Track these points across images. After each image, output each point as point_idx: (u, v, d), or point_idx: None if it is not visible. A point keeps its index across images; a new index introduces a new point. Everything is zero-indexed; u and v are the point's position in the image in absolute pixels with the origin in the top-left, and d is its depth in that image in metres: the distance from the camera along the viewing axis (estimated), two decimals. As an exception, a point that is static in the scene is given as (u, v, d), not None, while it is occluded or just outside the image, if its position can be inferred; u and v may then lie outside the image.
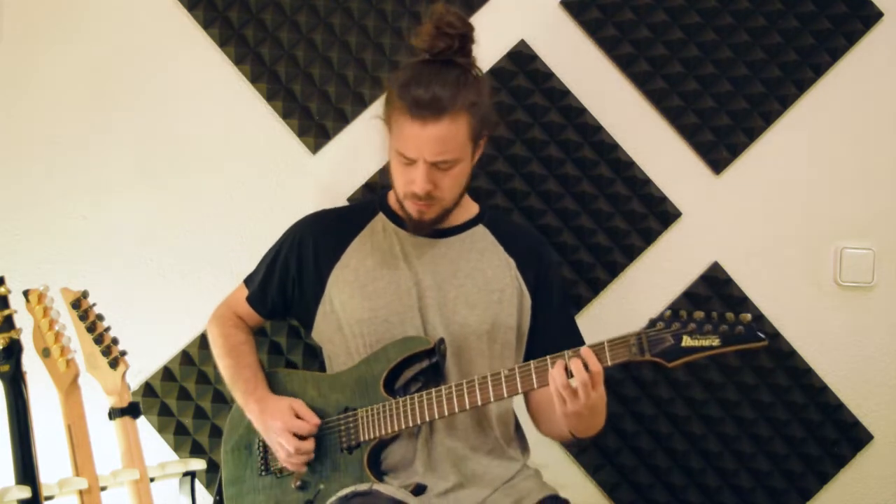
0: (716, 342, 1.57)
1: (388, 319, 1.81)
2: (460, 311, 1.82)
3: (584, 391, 1.58)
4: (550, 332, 1.89)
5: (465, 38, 1.75)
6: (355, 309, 1.82)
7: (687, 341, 1.58)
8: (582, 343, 1.93)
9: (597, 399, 1.62)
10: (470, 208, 1.92)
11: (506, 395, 1.68)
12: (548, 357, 1.64)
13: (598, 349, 1.62)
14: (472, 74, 1.76)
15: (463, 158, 1.75)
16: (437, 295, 1.82)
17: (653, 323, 1.61)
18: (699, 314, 1.59)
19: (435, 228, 1.84)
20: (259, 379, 1.89)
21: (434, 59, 1.75)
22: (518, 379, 1.66)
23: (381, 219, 1.90)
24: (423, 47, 1.76)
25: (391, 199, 1.91)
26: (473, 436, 1.82)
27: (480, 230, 1.90)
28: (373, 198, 1.99)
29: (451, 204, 1.81)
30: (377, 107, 2.26)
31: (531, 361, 1.66)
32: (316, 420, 1.80)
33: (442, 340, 1.78)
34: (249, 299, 1.98)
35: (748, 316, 1.58)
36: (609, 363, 1.61)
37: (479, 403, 1.69)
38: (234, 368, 1.91)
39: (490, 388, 1.68)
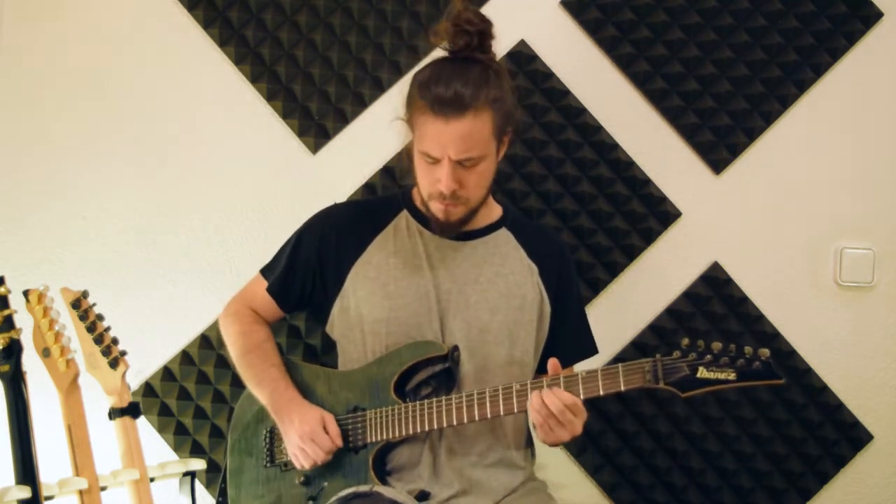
0: (732, 376, 1.55)
1: (407, 321, 1.79)
2: (481, 317, 1.80)
3: (557, 426, 1.63)
4: (567, 339, 1.89)
5: (484, 34, 1.72)
6: (374, 307, 1.80)
7: (703, 373, 1.56)
8: (594, 349, 1.94)
9: (567, 431, 1.65)
10: (494, 210, 1.89)
11: (515, 410, 1.67)
12: (560, 375, 1.64)
13: (611, 373, 1.61)
14: (493, 70, 1.73)
15: (487, 155, 1.71)
16: (458, 299, 1.80)
17: (669, 350, 1.59)
18: (717, 345, 1.57)
19: (459, 231, 1.81)
20: (287, 379, 1.85)
21: (455, 55, 1.73)
22: (529, 395, 1.65)
23: (405, 216, 1.86)
24: (442, 44, 1.74)
25: (416, 197, 1.87)
26: (484, 442, 1.80)
27: (504, 234, 1.88)
28: (396, 193, 1.95)
29: (477, 203, 1.78)
30: (377, 107, 2.28)
31: (543, 378, 1.66)
32: (339, 442, 1.76)
33: (456, 348, 1.77)
34: (271, 290, 1.91)
35: (766, 351, 1.56)
36: (623, 388, 1.60)
37: (489, 416, 1.69)
38: (259, 367, 1.86)
39: (501, 403, 1.68)
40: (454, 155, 1.67)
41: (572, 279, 1.93)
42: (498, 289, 1.82)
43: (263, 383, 1.85)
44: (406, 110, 1.76)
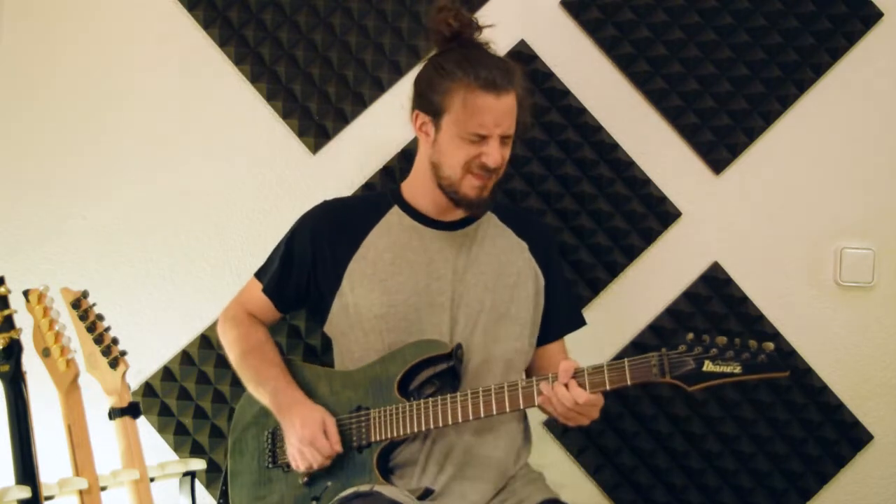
0: (737, 369, 1.57)
1: (406, 316, 1.80)
2: (481, 299, 1.82)
3: (570, 415, 1.66)
4: (557, 311, 1.92)
5: (471, 23, 1.79)
6: (373, 304, 1.81)
7: (708, 366, 1.58)
8: (583, 321, 1.98)
9: (585, 418, 1.69)
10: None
11: (522, 406, 1.69)
12: (569, 370, 1.65)
13: (618, 368, 1.62)
14: (504, 58, 1.81)
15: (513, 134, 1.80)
16: (459, 287, 1.82)
17: (675, 345, 1.60)
18: (722, 339, 1.59)
19: (488, 208, 1.86)
20: (288, 378, 1.85)
21: (461, 44, 1.78)
22: (535, 391, 1.67)
23: (396, 212, 1.88)
24: (441, 37, 1.79)
25: (406, 192, 1.90)
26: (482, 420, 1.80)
27: (489, 217, 1.91)
28: (384, 190, 1.96)
29: (497, 183, 1.83)
30: (377, 107, 2.27)
31: (549, 374, 1.67)
32: (339, 448, 1.76)
33: (459, 346, 1.78)
34: (266, 291, 1.93)
35: (771, 345, 1.58)
36: (629, 382, 1.61)
37: (494, 413, 1.69)
38: (258, 368, 1.87)
39: (506, 400, 1.68)
40: (504, 129, 1.74)
41: (555, 253, 1.99)
42: (493, 269, 1.85)
43: (265, 383, 1.85)
44: (434, 96, 1.76)
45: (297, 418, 1.77)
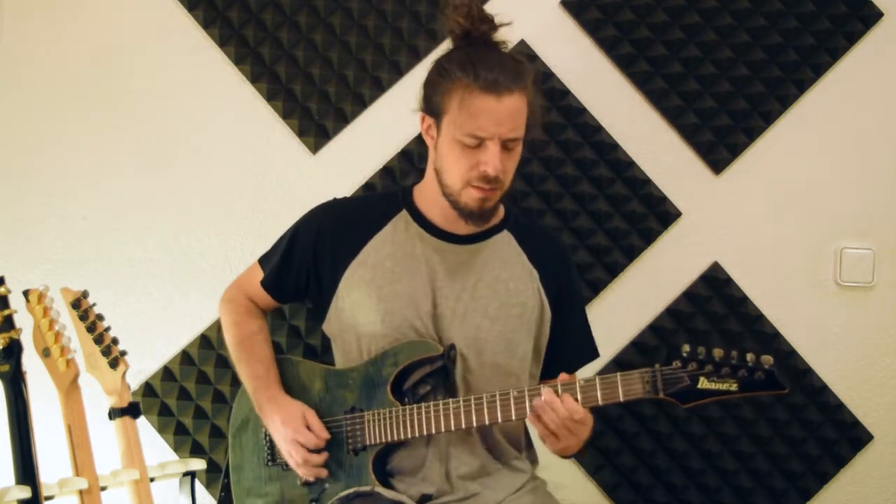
0: (734, 387, 1.51)
1: (401, 326, 1.75)
2: (480, 325, 1.76)
3: (562, 431, 1.60)
4: (568, 344, 1.87)
5: (483, 20, 1.72)
6: (369, 311, 1.77)
7: (703, 383, 1.52)
8: (596, 353, 1.91)
9: (575, 438, 1.62)
10: (497, 211, 1.83)
11: (514, 416, 1.65)
12: (558, 384, 1.61)
13: (610, 382, 1.58)
14: (517, 59, 1.73)
15: (521, 140, 1.69)
16: (456, 305, 1.76)
17: (669, 359, 1.55)
18: (718, 353, 1.52)
19: (488, 220, 1.78)
20: (271, 375, 1.84)
21: (475, 42, 1.70)
22: (527, 402, 1.64)
23: (404, 217, 1.81)
24: (454, 35, 1.73)
25: (417, 197, 1.83)
26: (482, 446, 1.79)
27: (505, 236, 1.83)
28: (396, 191, 1.89)
29: (505, 193, 1.74)
30: (378, 107, 2.27)
31: (541, 385, 1.64)
32: (325, 435, 1.75)
33: (452, 346, 1.74)
34: (265, 284, 1.90)
35: (770, 359, 1.51)
36: (622, 398, 1.57)
37: (487, 422, 1.67)
38: (245, 362, 1.86)
39: (498, 409, 1.65)
40: (505, 133, 1.64)
41: (573, 283, 1.90)
42: (498, 296, 1.78)
43: (248, 380, 1.85)
44: (435, 97, 1.70)
45: (277, 416, 1.78)
